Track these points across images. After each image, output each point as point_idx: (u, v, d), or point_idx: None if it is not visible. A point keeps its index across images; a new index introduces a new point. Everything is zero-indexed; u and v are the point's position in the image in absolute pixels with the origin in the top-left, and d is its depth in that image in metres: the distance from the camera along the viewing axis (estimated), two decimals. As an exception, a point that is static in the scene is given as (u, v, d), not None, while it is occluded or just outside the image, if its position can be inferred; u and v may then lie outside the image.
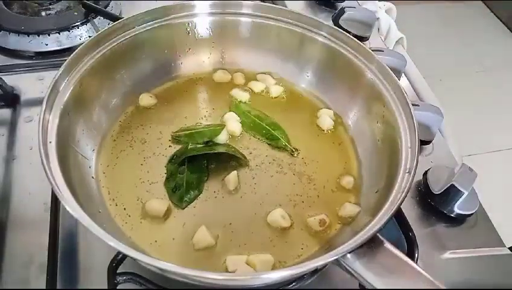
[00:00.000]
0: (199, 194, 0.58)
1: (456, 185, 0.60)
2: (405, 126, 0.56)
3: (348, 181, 0.61)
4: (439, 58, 2.29)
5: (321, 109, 0.70)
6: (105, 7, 0.89)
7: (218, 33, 0.73)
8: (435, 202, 0.63)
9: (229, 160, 0.62)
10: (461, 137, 0.84)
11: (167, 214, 0.56)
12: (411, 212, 0.62)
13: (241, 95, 0.71)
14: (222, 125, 0.65)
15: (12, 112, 0.72)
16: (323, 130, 0.67)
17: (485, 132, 1.95)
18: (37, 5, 0.89)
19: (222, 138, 0.64)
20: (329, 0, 0.97)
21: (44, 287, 0.50)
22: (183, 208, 0.57)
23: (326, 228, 0.55)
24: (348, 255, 0.43)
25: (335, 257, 0.43)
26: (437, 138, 0.73)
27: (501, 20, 2.69)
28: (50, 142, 0.51)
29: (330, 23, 0.73)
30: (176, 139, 0.64)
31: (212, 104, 0.70)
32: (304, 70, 0.73)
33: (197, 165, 0.60)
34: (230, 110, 0.69)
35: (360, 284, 0.52)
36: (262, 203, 0.58)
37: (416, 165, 0.51)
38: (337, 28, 0.68)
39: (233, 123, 0.66)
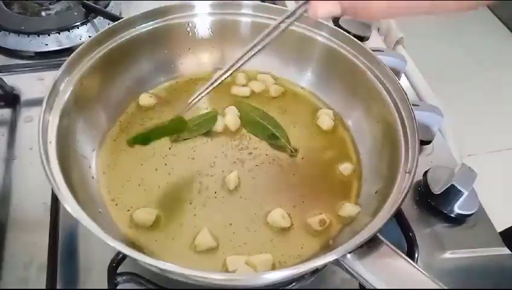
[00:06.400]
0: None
1: (456, 185, 0.60)
2: (405, 126, 0.56)
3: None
4: (439, 58, 2.29)
5: (321, 108, 0.70)
6: (105, 7, 0.89)
7: (218, 33, 0.73)
8: (435, 202, 0.63)
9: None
10: (461, 137, 0.83)
11: (156, 223, 0.54)
12: (411, 213, 0.62)
13: (243, 91, 0.71)
14: (215, 112, 0.66)
15: (12, 112, 0.72)
16: (323, 130, 0.67)
17: (485, 132, 1.94)
18: (37, 5, 0.89)
19: (218, 124, 0.65)
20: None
21: (44, 287, 0.50)
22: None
23: (326, 228, 0.55)
24: (348, 255, 0.43)
25: (335, 257, 0.43)
26: (437, 138, 0.73)
27: (501, 20, 2.69)
28: (50, 142, 0.51)
29: (330, 23, 0.73)
30: (177, 141, 0.64)
31: (212, 104, 0.70)
32: (304, 70, 0.73)
33: None
34: (233, 105, 0.69)
35: (360, 284, 0.52)
36: (262, 203, 0.58)
37: (416, 165, 0.51)
38: (337, 28, 0.68)
39: (231, 116, 0.66)
